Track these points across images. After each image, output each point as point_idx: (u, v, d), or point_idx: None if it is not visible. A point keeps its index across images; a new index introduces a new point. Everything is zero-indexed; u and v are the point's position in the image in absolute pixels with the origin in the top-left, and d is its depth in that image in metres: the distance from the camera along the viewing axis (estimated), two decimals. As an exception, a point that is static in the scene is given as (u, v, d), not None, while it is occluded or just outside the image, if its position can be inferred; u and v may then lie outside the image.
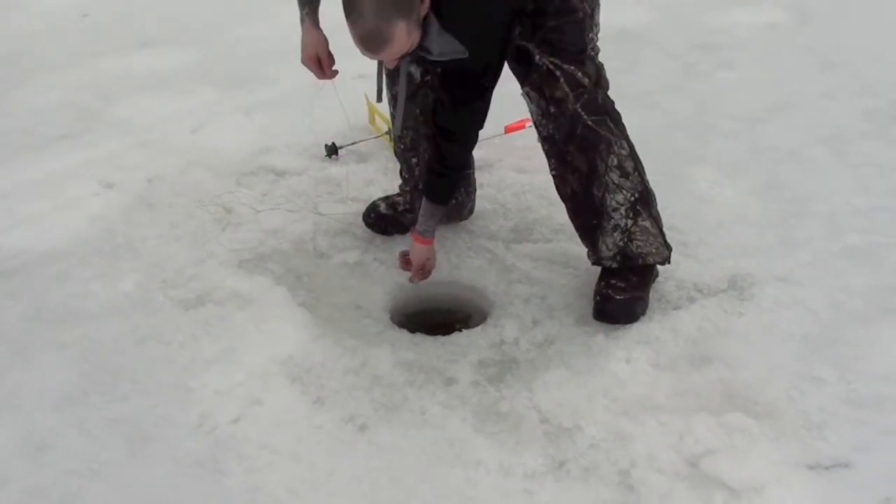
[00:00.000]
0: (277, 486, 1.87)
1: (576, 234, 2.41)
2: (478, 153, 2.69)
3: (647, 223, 2.30)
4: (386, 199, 2.76)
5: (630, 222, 2.28)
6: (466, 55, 2.01)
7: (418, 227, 2.39)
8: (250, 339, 2.28)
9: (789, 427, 1.96)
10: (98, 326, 2.36)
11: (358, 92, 3.23)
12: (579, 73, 2.19)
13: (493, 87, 2.16)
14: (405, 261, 2.48)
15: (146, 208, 2.90)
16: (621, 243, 2.30)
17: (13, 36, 4.69)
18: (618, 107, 2.30)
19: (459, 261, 2.61)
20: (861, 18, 4.44)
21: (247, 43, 4.47)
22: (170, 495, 1.87)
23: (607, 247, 2.32)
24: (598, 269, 2.41)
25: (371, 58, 1.98)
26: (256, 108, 3.67)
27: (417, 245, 2.41)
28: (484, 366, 2.22)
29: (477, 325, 2.41)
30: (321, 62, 2.37)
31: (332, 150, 3.19)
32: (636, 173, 2.28)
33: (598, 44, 2.25)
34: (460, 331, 2.36)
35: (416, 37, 1.95)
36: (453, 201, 2.64)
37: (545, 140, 2.30)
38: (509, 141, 3.18)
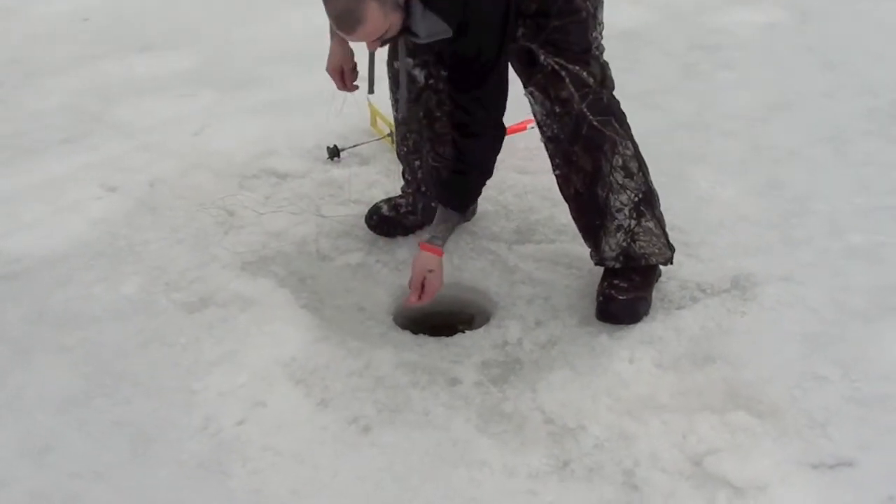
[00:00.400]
0: (281, 487, 1.87)
1: (578, 235, 2.41)
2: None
3: (650, 224, 2.30)
4: (388, 201, 2.76)
5: (633, 223, 2.28)
6: (450, 34, 2.01)
7: (427, 234, 2.33)
8: (253, 342, 2.28)
9: (792, 426, 1.97)
10: (101, 329, 2.36)
11: (359, 94, 3.22)
12: (584, 73, 2.19)
13: (495, 74, 2.13)
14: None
15: (148, 211, 2.90)
16: (624, 244, 2.30)
17: (14, 40, 4.68)
18: (618, 107, 2.30)
19: (462, 262, 2.61)
20: (861, 18, 4.45)
21: (247, 45, 4.47)
22: (173, 498, 1.87)
23: (610, 247, 2.32)
24: (601, 269, 2.41)
25: (348, 39, 2.01)
26: (258, 111, 3.67)
27: (422, 253, 2.29)
28: (487, 367, 2.22)
29: (480, 326, 2.41)
30: (344, 74, 2.41)
31: (334, 153, 3.19)
32: (640, 174, 2.28)
33: (603, 42, 2.25)
34: (463, 332, 2.37)
35: (394, 19, 1.95)
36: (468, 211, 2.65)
37: (549, 140, 2.29)
38: (511, 142, 3.14)
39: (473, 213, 2.76)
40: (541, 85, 2.21)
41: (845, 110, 3.47)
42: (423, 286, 2.29)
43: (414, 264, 2.31)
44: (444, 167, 2.52)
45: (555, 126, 2.24)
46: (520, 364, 2.23)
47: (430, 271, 2.29)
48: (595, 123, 2.20)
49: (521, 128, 3.19)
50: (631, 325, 2.30)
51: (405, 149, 2.61)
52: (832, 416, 1.99)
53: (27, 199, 3.01)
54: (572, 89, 2.19)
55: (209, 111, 3.70)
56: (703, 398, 2.06)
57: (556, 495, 1.84)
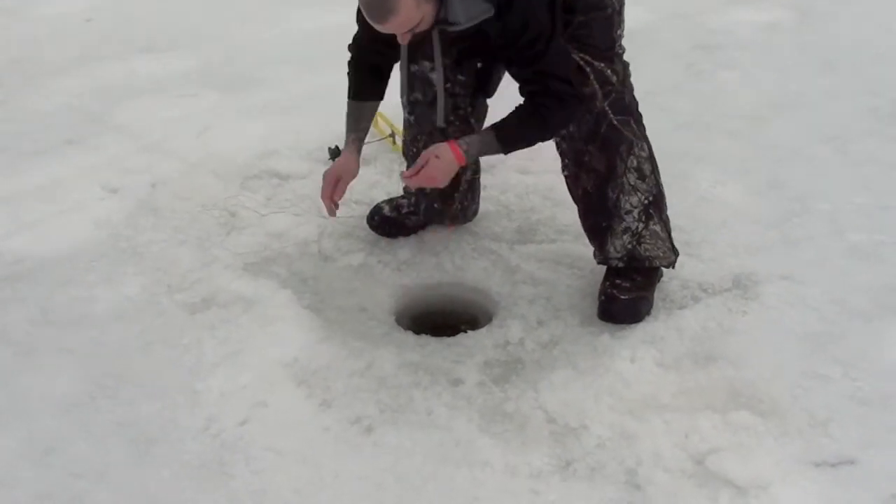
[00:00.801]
0: (284, 487, 1.88)
1: (580, 235, 2.41)
2: (481, 155, 2.70)
3: (657, 227, 2.30)
4: (390, 201, 2.76)
5: (641, 225, 2.28)
6: (493, 12, 1.98)
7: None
8: (256, 342, 2.28)
9: (794, 425, 1.97)
10: (103, 330, 2.36)
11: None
12: (608, 71, 2.17)
13: (554, 44, 2.03)
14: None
15: (150, 212, 2.90)
16: (630, 246, 2.30)
17: (16, 40, 4.70)
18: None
19: (464, 262, 2.61)
20: (862, 17, 4.45)
21: (249, 47, 4.48)
22: (175, 498, 1.87)
23: (615, 248, 2.32)
24: (603, 269, 2.41)
25: (379, 28, 1.97)
26: (260, 112, 3.68)
27: (444, 144, 2.17)
28: (489, 366, 2.22)
29: (482, 326, 2.41)
30: (336, 186, 2.38)
31: (336, 154, 3.19)
32: (652, 176, 2.28)
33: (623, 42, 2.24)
34: (465, 332, 2.37)
35: (426, 9, 1.94)
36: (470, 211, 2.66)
37: (563, 139, 2.27)
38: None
39: (475, 213, 2.76)
40: None
41: (847, 110, 3.47)
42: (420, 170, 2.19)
43: (429, 149, 2.21)
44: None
45: (571, 124, 2.22)
46: (522, 364, 2.23)
47: (437, 157, 2.16)
48: (615, 122, 2.20)
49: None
50: (633, 325, 2.30)
51: (415, 150, 2.60)
52: (834, 414, 1.99)
53: (29, 200, 3.02)
54: (596, 86, 2.17)
55: (211, 112, 3.71)
56: (705, 397, 2.06)
57: (558, 495, 1.84)
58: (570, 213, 2.65)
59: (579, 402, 2.06)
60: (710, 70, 3.94)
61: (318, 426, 2.03)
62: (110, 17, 5.05)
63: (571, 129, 2.22)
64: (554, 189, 2.86)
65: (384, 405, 2.09)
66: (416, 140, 2.58)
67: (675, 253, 2.38)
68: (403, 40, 2.03)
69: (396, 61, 2.40)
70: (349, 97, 2.43)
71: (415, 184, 2.22)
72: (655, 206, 2.29)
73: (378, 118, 3.31)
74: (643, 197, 2.26)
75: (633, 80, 2.30)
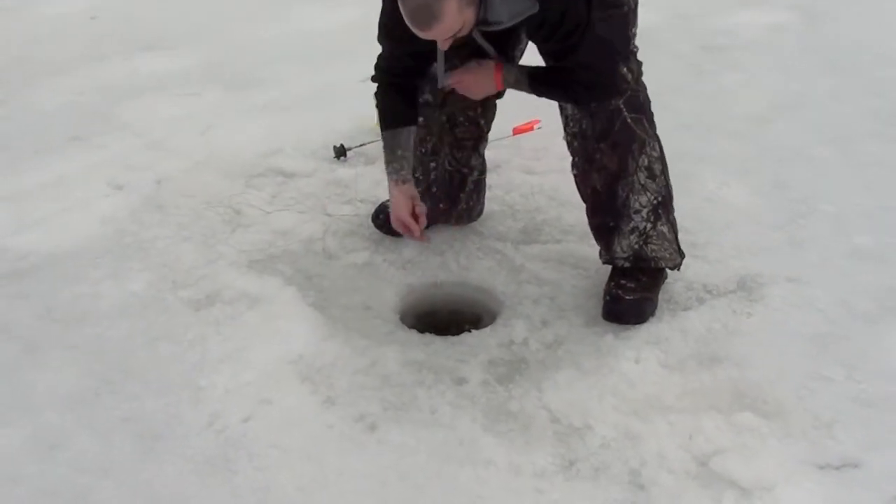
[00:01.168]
0: (287, 484, 1.88)
1: (586, 235, 2.41)
2: (486, 154, 2.70)
3: (664, 228, 2.30)
4: (395, 200, 2.76)
5: (649, 225, 2.28)
6: (537, 8, 1.98)
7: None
8: (260, 339, 2.28)
9: (798, 426, 1.96)
10: (108, 326, 2.36)
11: (365, 94, 3.23)
12: (624, 69, 2.17)
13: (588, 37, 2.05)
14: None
15: (155, 209, 2.91)
16: (636, 246, 2.30)
17: (20, 39, 4.71)
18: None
19: (469, 262, 2.62)
20: (867, 19, 4.45)
21: (254, 44, 4.48)
22: (179, 494, 1.87)
23: (622, 248, 2.32)
24: (608, 270, 2.41)
25: (421, 35, 1.95)
26: (264, 110, 3.68)
27: (488, 60, 2.26)
28: (493, 366, 2.22)
29: (486, 325, 2.41)
30: (408, 223, 2.39)
31: (341, 152, 3.20)
32: (662, 176, 2.27)
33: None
34: (470, 331, 2.37)
35: (468, 14, 1.93)
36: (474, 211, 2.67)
37: (574, 137, 2.27)
38: (517, 142, 3.19)
39: (480, 213, 2.76)
40: None
41: (851, 111, 3.47)
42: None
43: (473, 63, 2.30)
44: (463, 167, 2.55)
45: (584, 121, 2.21)
46: (526, 363, 2.23)
47: (478, 64, 2.28)
48: (628, 121, 2.19)
49: (527, 128, 3.21)
50: (637, 326, 2.30)
51: (423, 150, 2.60)
52: (838, 416, 1.98)
53: (34, 198, 3.02)
54: None
55: (216, 110, 3.71)
56: (710, 398, 2.06)
57: (561, 494, 1.84)
58: (575, 214, 2.65)
59: (583, 402, 2.06)
60: (714, 71, 3.94)
61: (321, 423, 2.04)
62: (114, 15, 5.06)
63: (584, 125, 2.22)
64: (559, 189, 2.87)
65: (388, 403, 2.09)
66: (425, 141, 2.58)
67: (682, 255, 2.38)
68: (444, 46, 2.03)
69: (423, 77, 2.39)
70: (383, 129, 2.41)
71: (449, 83, 2.30)
72: (664, 206, 2.29)
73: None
74: (652, 197, 2.26)
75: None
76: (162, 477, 1.91)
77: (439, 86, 2.34)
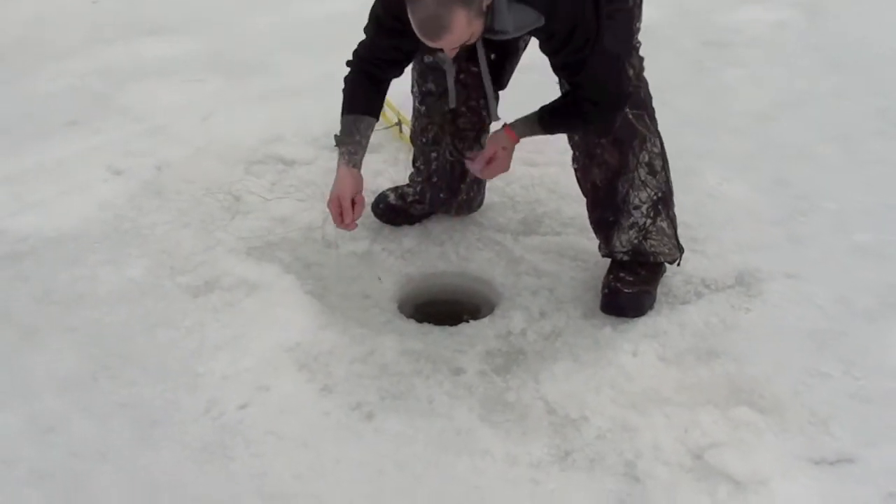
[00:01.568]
0: (284, 471, 1.88)
1: (585, 228, 2.41)
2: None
3: (664, 223, 2.30)
4: (395, 189, 2.76)
5: (649, 221, 2.28)
6: (543, 21, 1.97)
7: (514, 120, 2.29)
8: (258, 326, 2.28)
9: (795, 421, 1.97)
10: (107, 312, 2.36)
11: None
12: (626, 65, 2.17)
13: (596, 55, 2.04)
14: None
15: (154, 195, 2.90)
16: (635, 241, 2.30)
17: (22, 22, 4.69)
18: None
19: (468, 252, 2.61)
20: (871, 16, 4.43)
21: (256, 32, 4.47)
22: (177, 479, 1.88)
23: (621, 243, 2.32)
24: (607, 262, 2.41)
25: (429, 45, 1.94)
26: (265, 97, 3.67)
27: (502, 132, 2.30)
28: (491, 356, 2.23)
29: (485, 316, 2.41)
30: (343, 207, 2.22)
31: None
32: (663, 172, 2.27)
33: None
34: (468, 321, 2.37)
35: (477, 25, 1.91)
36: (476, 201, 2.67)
37: None
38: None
39: (480, 203, 2.76)
40: None
41: (854, 109, 3.47)
42: (491, 162, 2.32)
43: (490, 140, 2.35)
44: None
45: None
46: (523, 354, 2.23)
47: (504, 149, 2.31)
48: (630, 117, 2.19)
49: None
50: (635, 319, 2.30)
51: (424, 139, 2.59)
52: (835, 412, 1.99)
53: (33, 180, 3.01)
54: None
55: (217, 97, 3.70)
56: (706, 392, 2.07)
57: (557, 484, 1.85)
58: (574, 206, 2.65)
59: (580, 393, 2.07)
60: (718, 68, 3.93)
61: (318, 411, 2.04)
62: (115, 0, 5.04)
63: None
64: (559, 182, 2.86)
65: (385, 392, 2.10)
66: (427, 130, 2.57)
67: (681, 250, 2.38)
68: (451, 54, 2.02)
69: (398, 76, 2.36)
70: (343, 113, 2.32)
71: (488, 176, 2.40)
72: (664, 202, 2.29)
73: (386, 106, 3.30)
74: (652, 193, 2.26)
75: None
76: (159, 462, 1.91)
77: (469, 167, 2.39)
